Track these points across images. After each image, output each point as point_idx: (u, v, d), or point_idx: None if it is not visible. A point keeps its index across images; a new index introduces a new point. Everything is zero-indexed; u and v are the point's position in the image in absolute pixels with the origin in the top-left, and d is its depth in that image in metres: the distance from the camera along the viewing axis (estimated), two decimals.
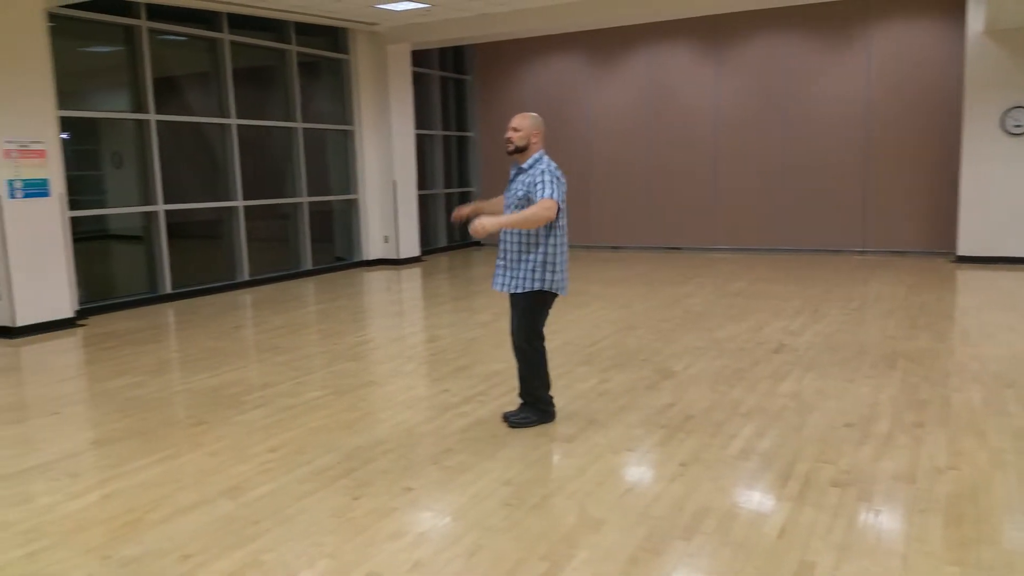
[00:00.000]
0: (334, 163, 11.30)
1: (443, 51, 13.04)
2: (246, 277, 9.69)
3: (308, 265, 10.63)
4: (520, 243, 4.01)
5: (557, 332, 6.49)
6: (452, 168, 13.59)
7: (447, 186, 13.38)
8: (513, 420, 4.23)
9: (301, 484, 3.52)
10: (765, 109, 11.54)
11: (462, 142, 13.78)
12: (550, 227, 3.97)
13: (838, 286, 8.52)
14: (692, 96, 11.96)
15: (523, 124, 4.02)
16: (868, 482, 3.39)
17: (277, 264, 10.38)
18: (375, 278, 10.35)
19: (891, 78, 10.78)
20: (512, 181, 4.13)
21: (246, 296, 9.07)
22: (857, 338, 6.08)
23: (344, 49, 10.99)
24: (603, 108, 12.55)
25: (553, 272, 4.01)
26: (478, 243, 14.00)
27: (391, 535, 3.00)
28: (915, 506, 3.15)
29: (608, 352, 5.82)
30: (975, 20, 9.54)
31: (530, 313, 4.10)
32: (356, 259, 11.40)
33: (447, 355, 5.89)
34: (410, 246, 11.62)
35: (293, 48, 10.24)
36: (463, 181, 13.87)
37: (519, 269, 4.02)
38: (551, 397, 4.32)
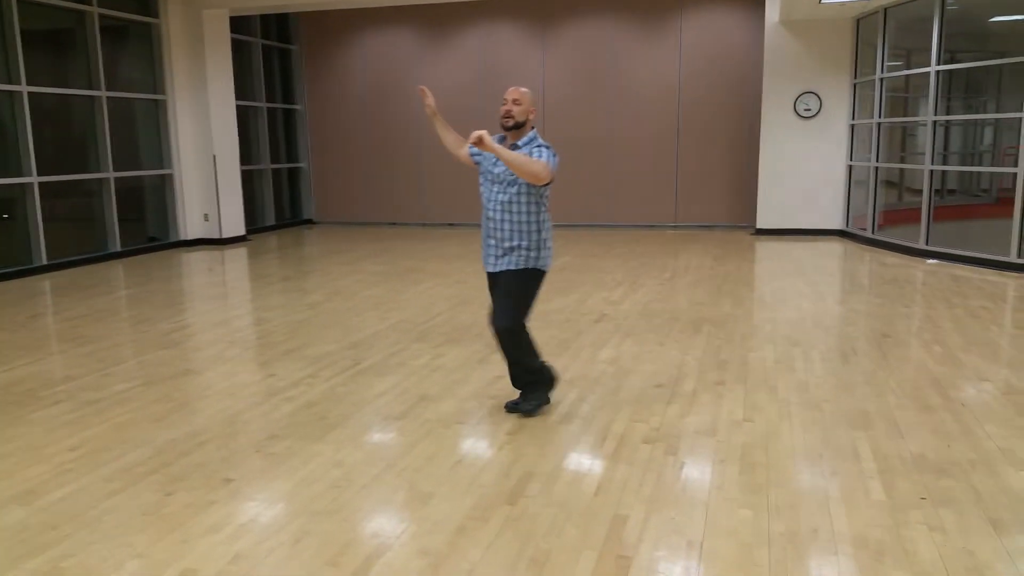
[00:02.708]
0: (144, 135, 10.49)
1: (266, 18, 12.40)
2: (44, 261, 8.81)
3: (116, 247, 9.83)
4: (512, 219, 3.79)
5: (393, 309, 6.46)
6: (279, 142, 13.03)
7: (274, 161, 12.82)
8: (526, 408, 3.97)
9: (106, 483, 3.27)
10: (588, 91, 11.97)
11: (289, 115, 13.23)
12: (539, 203, 3.80)
13: (653, 259, 9.07)
14: (520, 76, 12.12)
15: (524, 98, 3.75)
16: (675, 438, 3.67)
17: (80, 246, 9.51)
18: (194, 259, 9.76)
19: (700, 63, 11.53)
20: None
21: (44, 282, 8.25)
22: (669, 306, 6.52)
23: (153, 13, 10.19)
24: (434, 85, 12.42)
25: (546, 249, 3.87)
26: (309, 220, 13.56)
27: (208, 529, 2.87)
28: (715, 457, 3.45)
29: (442, 328, 5.87)
30: (772, 10, 10.38)
31: (524, 292, 3.88)
32: (172, 239, 10.70)
33: (274, 338, 5.69)
34: (234, 224, 11.05)
35: (94, 10, 9.35)
36: (291, 156, 13.35)
37: (513, 246, 3.81)
38: (544, 362, 4.04)
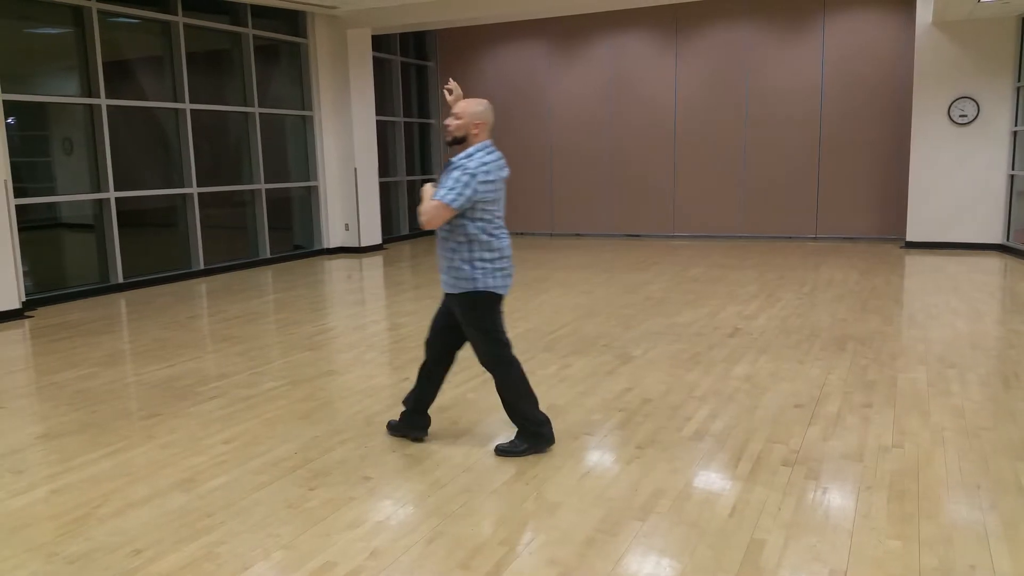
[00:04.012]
0: (293, 149, 11.15)
1: (404, 36, 12.92)
2: (201, 266, 9.53)
3: (266, 253, 10.50)
4: (448, 235, 3.49)
5: (520, 319, 6.52)
6: (414, 155, 13.50)
7: (409, 173, 13.29)
8: (500, 447, 3.68)
9: (256, 475, 3.49)
10: (723, 99, 11.67)
11: (424, 129, 13.68)
12: (467, 221, 3.42)
13: (791, 271, 8.68)
14: (652, 85, 12.03)
15: (465, 111, 3.43)
16: (817, 461, 3.48)
17: (233, 252, 10.22)
18: (335, 266, 10.26)
19: (844, 68, 10.98)
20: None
21: (201, 285, 8.92)
22: (809, 321, 6.22)
23: (302, 33, 10.82)
24: (565, 96, 12.57)
25: (485, 269, 3.47)
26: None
27: (348, 524, 3.00)
28: (861, 483, 3.24)
29: (569, 338, 5.87)
30: (924, 12, 9.75)
31: (477, 321, 3.54)
32: (316, 247, 11.29)
33: (408, 343, 5.88)
34: (371, 234, 11.53)
35: (249, 31, 10.06)
36: (425, 168, 13.78)
37: (451, 266, 3.51)
38: (545, 416, 3.69)
